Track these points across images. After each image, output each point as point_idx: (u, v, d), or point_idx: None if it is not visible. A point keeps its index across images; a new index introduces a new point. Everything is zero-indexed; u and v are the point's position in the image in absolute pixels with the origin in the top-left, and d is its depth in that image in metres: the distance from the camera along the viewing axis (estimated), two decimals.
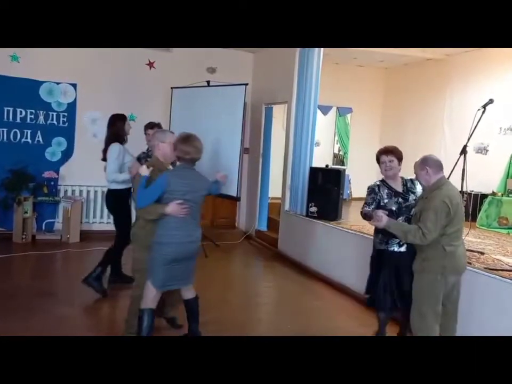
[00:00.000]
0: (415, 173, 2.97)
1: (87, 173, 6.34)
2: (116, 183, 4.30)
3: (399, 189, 3.18)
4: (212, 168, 4.57)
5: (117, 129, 4.40)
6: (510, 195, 5.70)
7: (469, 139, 3.99)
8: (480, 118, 3.94)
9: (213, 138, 5.65)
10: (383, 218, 2.89)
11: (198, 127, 6.09)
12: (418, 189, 3.21)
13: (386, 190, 3.16)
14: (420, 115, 7.34)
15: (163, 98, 6.54)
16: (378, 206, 3.12)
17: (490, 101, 4.02)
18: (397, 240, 3.05)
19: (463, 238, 3.97)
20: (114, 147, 4.27)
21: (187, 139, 2.95)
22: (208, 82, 6.31)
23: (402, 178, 3.24)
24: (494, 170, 6.07)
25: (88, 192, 6.45)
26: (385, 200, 3.13)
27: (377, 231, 3.14)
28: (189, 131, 6.64)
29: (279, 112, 6.88)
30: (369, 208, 3.15)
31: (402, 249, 3.08)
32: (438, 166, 2.86)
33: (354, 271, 4.56)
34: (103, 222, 6.53)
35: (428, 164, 2.87)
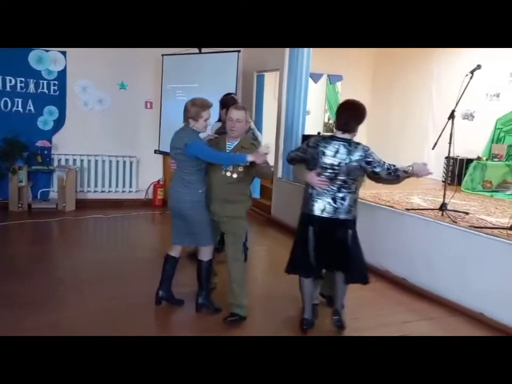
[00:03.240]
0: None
1: (80, 142, 6.38)
2: None
3: None
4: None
5: None
6: (495, 159, 5.91)
7: (457, 104, 4.12)
8: (468, 83, 4.06)
9: None
10: None
11: (190, 95, 6.12)
12: None
13: None
14: (409, 82, 7.42)
15: (154, 65, 6.51)
16: None
17: (478, 67, 4.13)
18: None
19: (449, 200, 4.19)
20: None
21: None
22: (199, 49, 6.28)
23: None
24: (479, 136, 6.25)
25: (81, 161, 6.48)
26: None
27: None
28: (181, 99, 6.65)
29: (270, 80, 6.91)
30: None
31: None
32: None
33: None
34: (98, 190, 6.60)
35: None
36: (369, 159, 2.87)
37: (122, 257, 4.48)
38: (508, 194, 5.54)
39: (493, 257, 3.40)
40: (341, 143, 2.87)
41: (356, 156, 2.85)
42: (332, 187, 2.88)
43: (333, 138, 2.93)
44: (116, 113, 6.54)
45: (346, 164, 2.85)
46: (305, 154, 2.99)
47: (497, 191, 5.66)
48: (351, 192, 2.92)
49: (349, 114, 2.90)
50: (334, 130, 3.00)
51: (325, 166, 2.88)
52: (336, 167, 2.86)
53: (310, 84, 6.29)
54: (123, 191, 6.73)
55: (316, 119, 8.25)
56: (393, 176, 2.91)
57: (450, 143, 4.15)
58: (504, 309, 3.30)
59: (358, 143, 2.91)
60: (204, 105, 3.09)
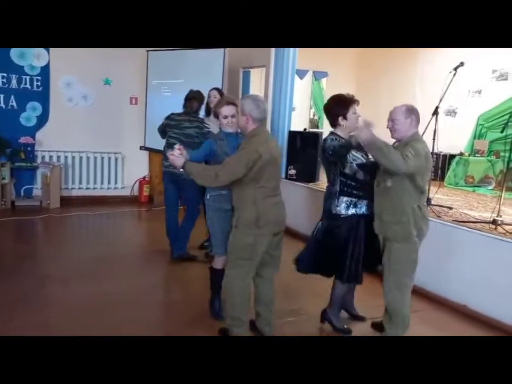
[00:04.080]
0: (393, 119, 2.76)
1: (64, 138, 6.30)
2: None
3: None
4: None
5: None
6: (477, 155, 6.03)
7: (441, 100, 4.20)
8: (452, 80, 4.14)
9: None
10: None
11: (175, 91, 6.11)
12: None
13: None
14: (393, 79, 7.52)
15: (139, 61, 6.45)
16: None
17: (461, 64, 4.22)
18: None
19: (433, 195, 4.27)
20: None
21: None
22: None
23: None
24: (462, 132, 6.38)
25: (66, 157, 6.40)
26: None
27: None
28: (166, 95, 6.59)
29: (256, 77, 6.92)
30: None
31: None
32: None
33: None
34: (82, 187, 6.54)
35: (414, 113, 2.74)
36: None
37: (108, 254, 4.46)
38: (490, 189, 5.67)
39: (475, 250, 3.48)
40: None
41: None
42: None
43: None
44: (101, 109, 6.47)
45: None
46: None
47: (479, 186, 5.79)
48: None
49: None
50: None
51: None
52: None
53: (295, 80, 6.33)
54: (108, 188, 6.67)
55: (301, 115, 8.30)
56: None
57: (434, 139, 4.23)
58: (487, 301, 3.39)
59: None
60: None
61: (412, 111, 2.73)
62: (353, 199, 2.87)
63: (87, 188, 6.57)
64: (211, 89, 4.33)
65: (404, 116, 2.71)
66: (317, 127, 8.60)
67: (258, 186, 2.62)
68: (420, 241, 2.81)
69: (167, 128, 4.13)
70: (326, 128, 8.38)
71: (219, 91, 4.38)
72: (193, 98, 4.11)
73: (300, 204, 5.44)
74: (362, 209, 2.88)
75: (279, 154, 2.81)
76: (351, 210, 2.87)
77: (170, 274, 4.18)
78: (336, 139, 2.87)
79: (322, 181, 5.68)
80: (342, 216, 2.87)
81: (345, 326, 3.13)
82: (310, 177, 5.57)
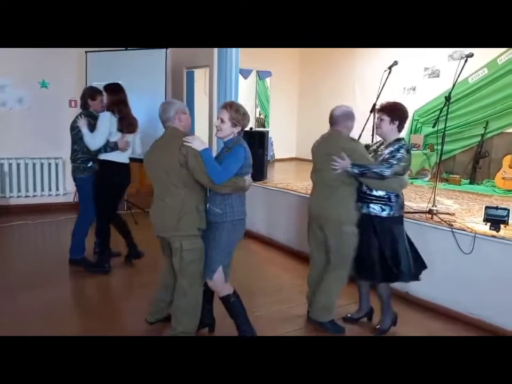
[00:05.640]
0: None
1: (0, 144, 5.99)
2: None
3: None
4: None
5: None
6: (413, 149, 6.35)
7: (377, 98, 4.38)
8: (387, 78, 4.34)
9: (134, 105, 5.54)
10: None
11: None
12: None
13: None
14: (333, 77, 7.76)
15: (77, 63, 6.24)
16: None
17: (395, 63, 4.43)
18: None
19: None
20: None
21: (241, 108, 2.74)
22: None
23: None
24: None
25: (2, 165, 6.07)
26: None
27: None
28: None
29: (200, 76, 6.89)
30: None
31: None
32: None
33: (281, 226, 4.91)
34: (22, 195, 6.23)
35: (350, 118, 3.07)
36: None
37: (52, 263, 4.29)
38: (426, 181, 6.00)
39: (412, 238, 3.67)
40: None
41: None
42: None
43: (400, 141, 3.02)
44: (38, 113, 6.19)
45: None
46: (408, 162, 2.99)
47: (417, 178, 6.11)
48: None
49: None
50: (396, 132, 3.04)
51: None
52: None
53: (240, 80, 6.37)
54: (50, 195, 6.41)
55: None
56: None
57: (373, 135, 4.41)
58: (424, 286, 3.59)
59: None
60: None
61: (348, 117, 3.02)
62: None
63: (27, 196, 6.27)
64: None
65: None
66: (264, 126, 8.71)
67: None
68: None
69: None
70: (272, 127, 8.53)
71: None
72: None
73: (251, 204, 5.49)
74: None
75: (157, 162, 2.75)
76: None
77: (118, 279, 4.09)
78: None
79: (269, 179, 5.77)
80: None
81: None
82: (259, 175, 5.63)
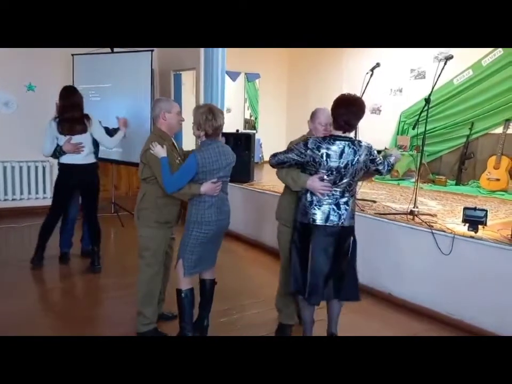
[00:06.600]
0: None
1: None
2: None
3: None
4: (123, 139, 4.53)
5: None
6: (400, 150, 6.38)
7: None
8: (369, 80, 4.36)
9: (121, 108, 5.56)
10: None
11: (104, 96, 5.96)
12: None
13: None
14: (321, 78, 7.78)
15: (64, 66, 6.22)
16: None
17: (377, 65, 4.45)
18: None
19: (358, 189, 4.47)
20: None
21: (212, 111, 2.73)
22: (111, 48, 6.11)
23: None
24: (386, 128, 6.73)
25: None
26: None
27: None
28: (94, 100, 6.38)
29: (188, 78, 6.90)
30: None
31: None
32: None
33: (268, 227, 4.92)
34: (8, 199, 6.21)
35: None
36: (373, 157, 2.70)
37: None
38: (412, 182, 6.02)
39: (394, 240, 3.71)
40: (345, 142, 2.58)
41: (363, 155, 2.62)
42: (334, 192, 2.62)
43: (335, 138, 2.60)
44: (25, 116, 6.17)
45: (353, 165, 2.58)
46: (303, 157, 2.62)
47: (403, 179, 6.15)
48: (353, 195, 2.72)
49: (351, 112, 2.62)
50: (331, 129, 2.70)
51: (330, 169, 2.58)
52: (343, 170, 2.58)
53: (228, 82, 6.39)
54: (36, 198, 6.37)
55: (236, 116, 8.38)
56: (390, 170, 2.84)
57: (355, 136, 4.43)
58: (408, 287, 3.62)
59: (359, 141, 2.66)
60: None
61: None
62: None
63: (13, 199, 6.25)
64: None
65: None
66: (254, 128, 8.72)
67: None
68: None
69: None
70: (261, 129, 8.54)
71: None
72: None
73: (237, 206, 5.50)
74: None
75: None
76: None
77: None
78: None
79: (257, 181, 5.78)
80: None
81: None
82: (245, 177, 5.64)
